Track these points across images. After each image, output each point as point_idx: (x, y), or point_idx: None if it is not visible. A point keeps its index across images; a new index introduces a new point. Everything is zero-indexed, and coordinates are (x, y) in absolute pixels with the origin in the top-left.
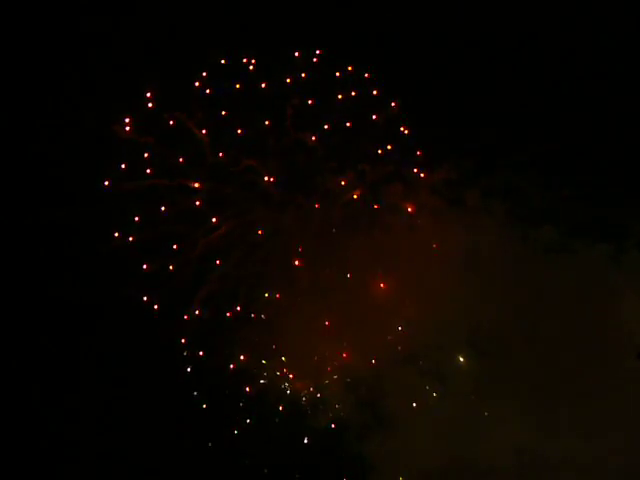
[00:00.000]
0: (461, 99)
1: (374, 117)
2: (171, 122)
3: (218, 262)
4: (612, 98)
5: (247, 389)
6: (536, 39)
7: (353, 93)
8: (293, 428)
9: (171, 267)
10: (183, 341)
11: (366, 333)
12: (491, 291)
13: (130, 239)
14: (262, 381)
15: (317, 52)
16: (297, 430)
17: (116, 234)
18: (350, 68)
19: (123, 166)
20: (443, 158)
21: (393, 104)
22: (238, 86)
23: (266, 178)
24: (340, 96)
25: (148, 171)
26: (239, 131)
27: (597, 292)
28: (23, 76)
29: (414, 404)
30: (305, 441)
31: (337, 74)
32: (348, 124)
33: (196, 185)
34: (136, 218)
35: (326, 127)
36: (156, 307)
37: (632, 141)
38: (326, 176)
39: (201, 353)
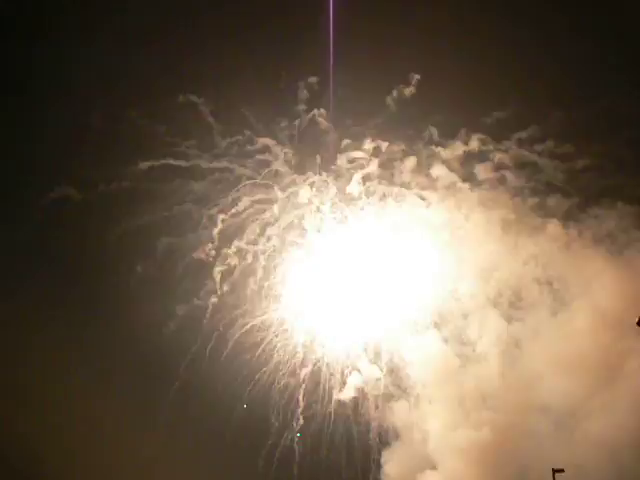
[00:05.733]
0: (473, 75)
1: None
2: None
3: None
4: (620, 71)
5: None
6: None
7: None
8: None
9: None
10: None
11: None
12: (512, 257)
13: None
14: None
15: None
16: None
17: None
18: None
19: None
20: (456, 134)
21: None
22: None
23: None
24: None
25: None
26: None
27: (620, 255)
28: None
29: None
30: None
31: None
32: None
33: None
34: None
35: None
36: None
37: None
38: (341, 153)
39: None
